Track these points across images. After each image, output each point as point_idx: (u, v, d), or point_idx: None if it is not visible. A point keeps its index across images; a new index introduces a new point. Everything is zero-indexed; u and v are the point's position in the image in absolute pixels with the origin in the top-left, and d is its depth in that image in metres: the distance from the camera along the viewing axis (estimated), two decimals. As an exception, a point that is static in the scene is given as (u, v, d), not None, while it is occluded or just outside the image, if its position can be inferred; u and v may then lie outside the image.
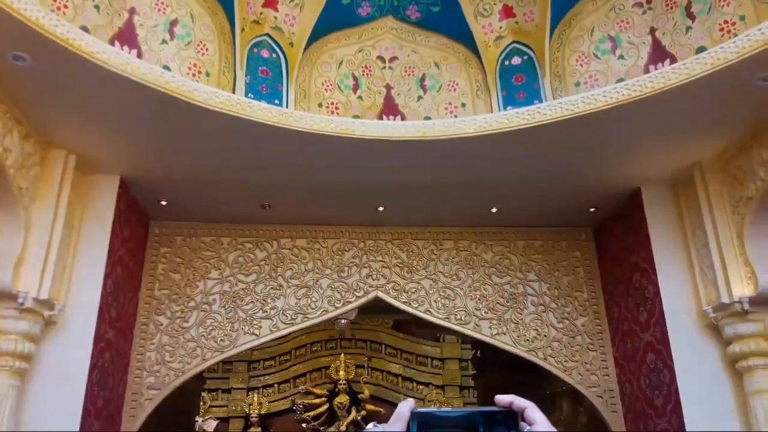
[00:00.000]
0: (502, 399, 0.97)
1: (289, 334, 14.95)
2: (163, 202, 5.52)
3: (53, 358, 4.56)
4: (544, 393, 11.60)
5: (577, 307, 5.87)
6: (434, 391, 14.11)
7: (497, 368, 11.28)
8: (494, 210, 5.70)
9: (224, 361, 14.37)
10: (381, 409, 13.71)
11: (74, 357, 4.60)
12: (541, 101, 4.81)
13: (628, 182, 5.37)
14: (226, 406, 14.01)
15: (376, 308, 11.16)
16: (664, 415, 5.01)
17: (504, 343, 5.71)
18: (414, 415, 0.95)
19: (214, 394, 14.06)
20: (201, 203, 5.61)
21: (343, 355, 14.02)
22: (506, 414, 0.95)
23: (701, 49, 4.28)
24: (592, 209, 5.78)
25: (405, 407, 0.96)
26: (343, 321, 10.47)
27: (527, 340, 5.72)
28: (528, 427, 0.95)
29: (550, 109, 4.50)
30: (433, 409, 0.97)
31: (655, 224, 5.26)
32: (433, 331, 14.28)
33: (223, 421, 13.84)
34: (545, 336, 5.74)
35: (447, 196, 5.50)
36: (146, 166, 5.04)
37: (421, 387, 14.33)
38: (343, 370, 13.73)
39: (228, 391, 14.15)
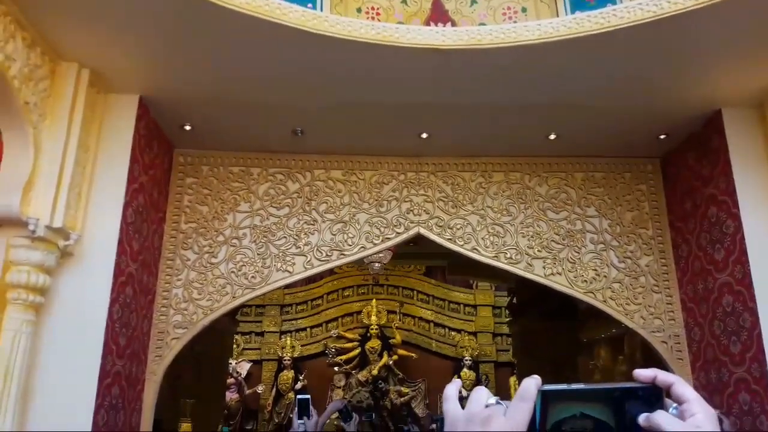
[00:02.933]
0: (643, 373, 0.80)
1: (322, 278, 14.73)
2: (187, 127, 4.92)
3: (71, 291, 4.07)
4: (581, 341, 11.06)
5: (641, 245, 5.18)
6: (466, 338, 13.75)
7: (534, 315, 10.73)
8: (553, 137, 4.98)
9: (257, 305, 14.20)
10: (413, 354, 13.41)
11: (93, 291, 4.11)
12: (614, 5, 4.04)
13: (706, 103, 4.61)
14: (259, 349, 13.86)
15: (409, 254, 10.66)
16: (742, 363, 4.37)
17: (559, 284, 5.07)
18: (541, 393, 0.79)
19: (247, 337, 13.89)
20: (228, 129, 5.00)
21: (374, 300, 13.69)
22: (648, 390, 0.79)
23: (821, -70, 3.47)
24: (662, 136, 5.02)
25: (532, 384, 0.79)
26: (377, 264, 9.96)
27: (585, 280, 5.07)
28: (674, 405, 0.76)
29: (629, 11, 3.75)
30: (563, 386, 0.80)
31: (737, 151, 4.51)
32: (465, 278, 13.81)
33: (256, 363, 13.70)
34: (605, 276, 5.08)
35: (499, 120, 4.79)
36: (167, 85, 4.42)
37: (453, 333, 13.96)
38: (375, 315, 13.40)
39: (261, 334, 13.98)
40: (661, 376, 0.78)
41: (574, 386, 0.79)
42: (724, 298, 4.54)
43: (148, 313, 4.80)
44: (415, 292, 14.46)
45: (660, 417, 0.73)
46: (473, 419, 0.79)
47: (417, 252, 10.35)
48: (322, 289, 14.45)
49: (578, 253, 5.12)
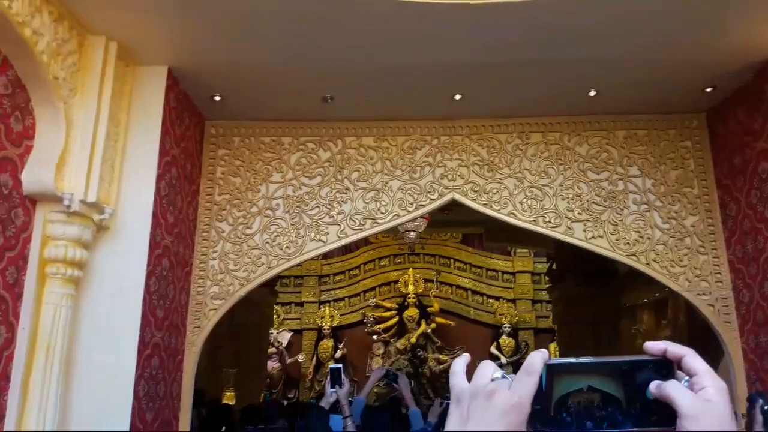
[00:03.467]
0: (654, 346, 0.78)
1: (358, 248, 14.73)
2: (217, 98, 4.86)
3: (108, 265, 4.10)
4: (623, 305, 10.83)
5: (686, 204, 4.95)
6: (505, 305, 13.64)
7: (574, 281, 10.52)
8: (593, 94, 4.75)
9: (295, 276, 14.32)
10: (451, 322, 13.36)
11: (130, 264, 4.13)
12: (657, -51, 3.79)
13: (757, 52, 4.30)
14: (299, 318, 14.04)
15: (445, 222, 10.54)
16: (796, 325, 4.17)
17: (600, 247, 4.89)
18: (547, 366, 0.77)
19: (287, 307, 14.05)
20: (258, 98, 4.92)
21: (411, 269, 13.65)
22: (659, 363, 0.77)
23: None
24: (708, 89, 4.75)
25: (537, 358, 0.78)
26: (412, 234, 9.84)
27: (627, 243, 4.88)
28: (686, 378, 0.75)
29: (673, -46, 3.51)
30: (570, 359, 0.78)
31: (792, 101, 4.25)
32: (503, 246, 13.64)
33: (297, 333, 13.88)
34: (648, 238, 4.88)
35: (536, 78, 4.58)
36: (195, 56, 4.35)
37: (491, 301, 13.86)
38: (412, 284, 13.37)
39: (300, 304, 14.14)
40: (672, 348, 0.77)
41: (582, 360, 0.78)
42: (776, 258, 4.32)
43: (185, 285, 4.82)
44: (451, 260, 14.37)
45: (671, 386, 0.73)
46: (478, 393, 0.78)
47: (453, 220, 10.21)
48: (359, 259, 14.48)
49: (620, 214, 4.92)
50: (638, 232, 4.89)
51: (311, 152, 5.16)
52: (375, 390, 11.28)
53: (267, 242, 4.99)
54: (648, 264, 4.83)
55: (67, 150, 3.86)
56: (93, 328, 3.97)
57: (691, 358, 0.76)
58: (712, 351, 9.01)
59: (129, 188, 4.23)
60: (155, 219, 4.26)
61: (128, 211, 4.20)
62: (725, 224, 4.88)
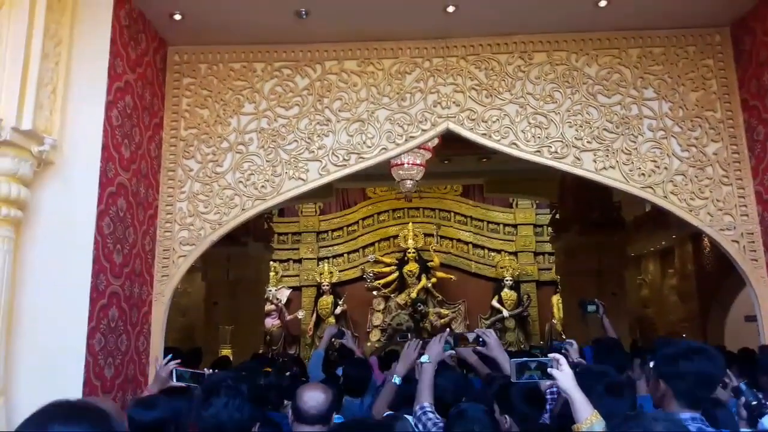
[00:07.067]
0: None
1: (356, 203, 14.09)
2: (177, 17, 4.17)
3: (54, 204, 3.51)
4: (628, 255, 10.27)
5: (708, 130, 4.29)
6: (507, 258, 13.12)
7: (577, 230, 9.94)
8: (603, 4, 4.06)
9: (293, 233, 13.85)
10: (452, 276, 12.87)
11: (78, 203, 3.53)
12: None
13: (797, -54, 3.63)
14: (297, 275, 13.58)
15: (443, 173, 9.93)
16: (837, 259, 3.57)
17: (612, 178, 4.26)
18: None
19: (285, 264, 13.59)
20: (223, 17, 4.22)
21: (411, 224, 13.11)
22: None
23: None
24: (735, -4, 4.07)
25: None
26: (409, 183, 9.19)
27: (642, 174, 4.25)
28: None
29: None
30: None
31: (837, 2, 3.57)
32: (504, 197, 13.05)
33: (295, 290, 13.45)
34: (666, 168, 4.25)
35: (539, -14, 3.91)
36: (145, -38, 3.70)
37: (492, 254, 13.33)
38: (412, 238, 12.83)
39: (298, 261, 13.67)
40: None
41: None
42: (814, 185, 3.70)
43: (150, 229, 4.23)
44: (452, 213, 13.85)
45: None
46: None
47: (452, 171, 9.61)
48: (357, 215, 14.00)
49: (634, 142, 4.27)
50: (654, 161, 4.25)
51: (287, 79, 4.49)
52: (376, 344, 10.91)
53: (240, 181, 4.38)
54: (665, 197, 4.21)
55: (-7, 68, 3.24)
56: (38, 275, 3.41)
57: None
58: (721, 297, 8.48)
59: (75, 118, 3.61)
60: (106, 152, 3.65)
61: (75, 144, 3.58)
62: (752, 151, 4.24)
